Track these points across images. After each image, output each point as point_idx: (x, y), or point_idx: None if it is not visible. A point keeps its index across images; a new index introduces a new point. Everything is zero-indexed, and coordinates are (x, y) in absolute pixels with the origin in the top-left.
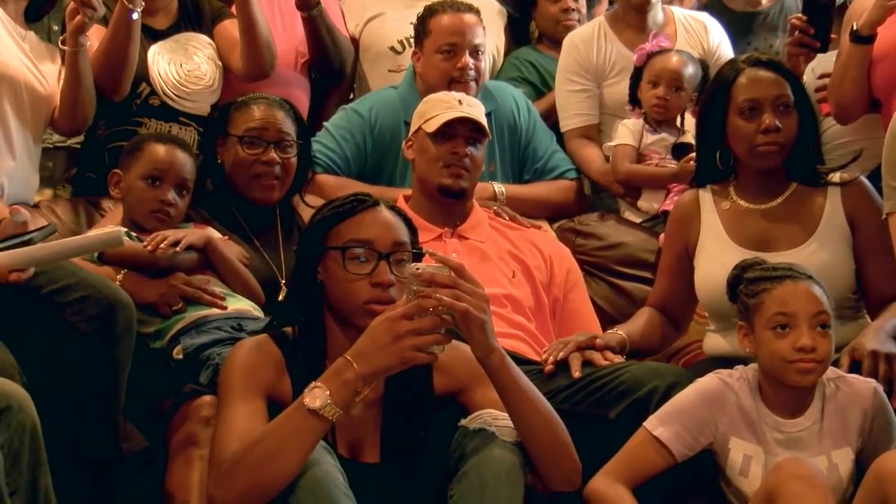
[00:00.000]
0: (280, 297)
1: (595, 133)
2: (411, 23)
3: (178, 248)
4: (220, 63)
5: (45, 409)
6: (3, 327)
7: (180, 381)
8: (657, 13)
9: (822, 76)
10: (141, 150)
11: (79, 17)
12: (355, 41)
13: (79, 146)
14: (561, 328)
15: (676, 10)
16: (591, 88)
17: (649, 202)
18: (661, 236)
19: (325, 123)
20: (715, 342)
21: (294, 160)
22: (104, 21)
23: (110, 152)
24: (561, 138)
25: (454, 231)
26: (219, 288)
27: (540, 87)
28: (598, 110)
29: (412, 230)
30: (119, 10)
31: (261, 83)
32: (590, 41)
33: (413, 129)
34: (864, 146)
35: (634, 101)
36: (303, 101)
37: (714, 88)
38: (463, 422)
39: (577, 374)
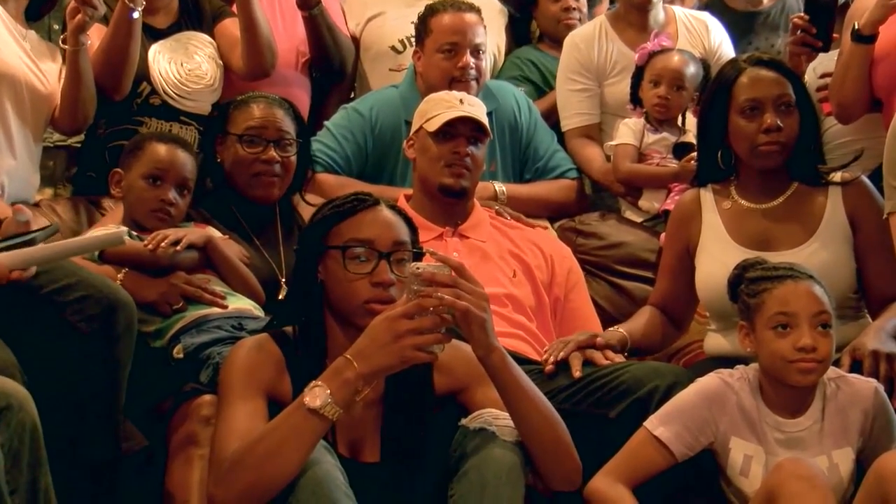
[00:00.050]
0: (280, 296)
1: (596, 132)
2: (412, 22)
3: (178, 247)
4: (221, 62)
5: (45, 409)
6: (4, 327)
7: (180, 381)
8: (658, 12)
9: (823, 76)
10: (142, 149)
11: (79, 16)
12: (356, 40)
13: (79, 145)
14: (562, 328)
15: (677, 10)
16: (592, 88)
17: (650, 202)
18: (662, 236)
19: (325, 123)
20: (715, 342)
21: (294, 159)
22: (105, 20)
23: (111, 151)
24: (562, 138)
25: (455, 230)
26: (219, 287)
27: (541, 86)
28: (599, 109)
29: (413, 229)
30: (120, 9)
31: (261, 82)
32: (591, 40)
33: (414, 128)
34: (865, 146)
35: (636, 100)
36: (303, 101)
37: (715, 88)
38: (463, 421)
39: (577, 373)
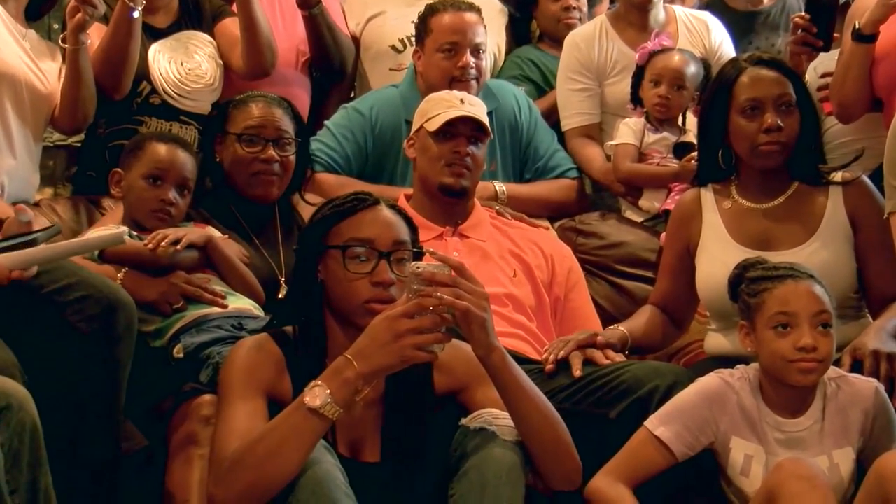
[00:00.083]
0: (280, 296)
1: (596, 132)
2: (412, 21)
3: (178, 247)
4: (221, 62)
5: (45, 409)
6: (4, 326)
7: (180, 380)
8: (659, 12)
9: (824, 75)
10: (142, 149)
11: (79, 16)
12: (356, 40)
13: (79, 144)
14: (562, 327)
15: (678, 9)
16: (593, 87)
17: (650, 201)
18: (663, 235)
19: (325, 122)
20: (716, 341)
21: (293, 158)
22: (105, 19)
23: (111, 151)
24: (562, 137)
25: (455, 230)
26: (219, 287)
27: (542, 85)
28: (600, 109)
29: (413, 229)
30: (120, 8)
31: (262, 82)
32: (591, 40)
33: (415, 127)
34: (865, 145)
35: (636, 100)
36: (303, 100)
37: (716, 87)
38: (463, 421)
39: (577, 373)
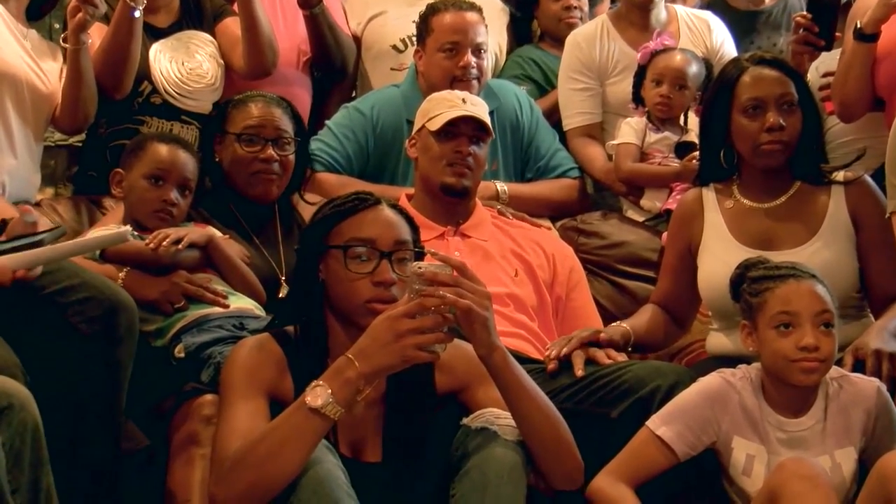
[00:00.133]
0: (281, 295)
1: (598, 132)
2: (413, 21)
3: (180, 246)
4: (222, 61)
5: (46, 409)
6: (6, 327)
7: (181, 380)
8: (660, 11)
9: (825, 74)
10: (143, 149)
11: (80, 15)
12: (357, 39)
13: (80, 144)
14: (563, 327)
15: (679, 9)
16: (594, 87)
17: (652, 201)
18: (664, 235)
19: (326, 122)
20: (718, 341)
21: (292, 157)
22: (106, 19)
23: (112, 151)
24: (563, 137)
25: (457, 229)
26: (220, 286)
27: (543, 84)
28: (601, 109)
29: (414, 229)
30: (121, 7)
31: (263, 81)
32: (592, 39)
33: (416, 127)
34: (867, 144)
35: (638, 99)
36: (305, 100)
37: (718, 87)
38: (465, 420)
39: (579, 372)
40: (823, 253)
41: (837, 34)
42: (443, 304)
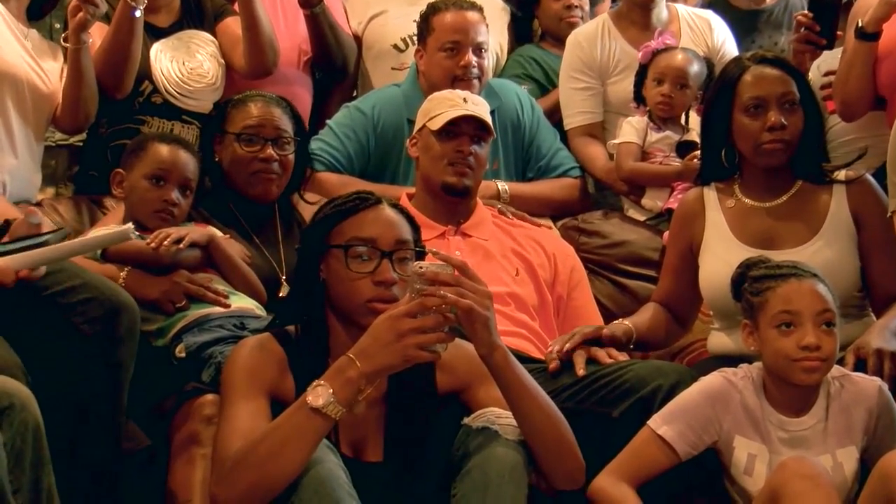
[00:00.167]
0: (281, 294)
1: (599, 131)
2: (414, 20)
3: (181, 246)
4: (223, 61)
5: (47, 409)
6: (8, 327)
7: (182, 380)
8: (661, 10)
9: (827, 73)
10: (144, 149)
11: (81, 15)
12: (358, 39)
13: (81, 144)
14: (564, 326)
15: (681, 8)
16: (595, 86)
17: (653, 200)
18: (666, 234)
19: (327, 121)
20: (719, 340)
21: (292, 157)
22: (106, 18)
23: (112, 150)
24: (565, 136)
25: (458, 229)
26: (221, 286)
27: (544, 84)
28: (602, 108)
29: (415, 228)
30: (121, 7)
31: (264, 81)
32: (594, 39)
33: (417, 126)
34: (869, 143)
35: (639, 98)
36: (305, 99)
37: (719, 86)
38: (466, 420)
39: (581, 371)
40: (825, 252)
41: (839, 33)
42: (444, 303)
